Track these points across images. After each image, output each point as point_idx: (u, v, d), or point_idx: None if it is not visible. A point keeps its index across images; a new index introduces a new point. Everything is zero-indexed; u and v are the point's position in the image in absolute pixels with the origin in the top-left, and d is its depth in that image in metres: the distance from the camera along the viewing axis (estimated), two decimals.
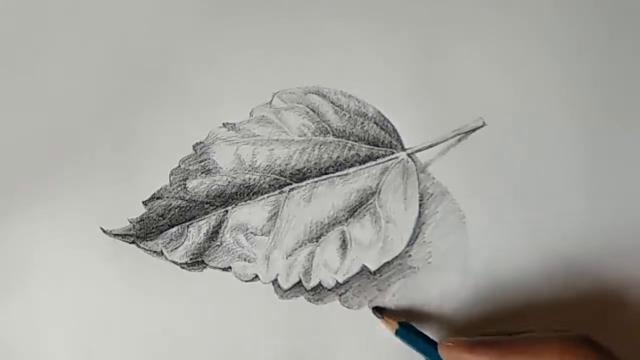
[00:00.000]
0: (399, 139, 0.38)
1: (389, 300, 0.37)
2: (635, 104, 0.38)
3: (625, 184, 0.38)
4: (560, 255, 0.37)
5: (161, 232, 0.37)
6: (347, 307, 0.37)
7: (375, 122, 0.38)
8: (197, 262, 0.37)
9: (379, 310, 0.37)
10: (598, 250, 0.37)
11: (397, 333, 0.36)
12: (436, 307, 0.37)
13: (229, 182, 0.37)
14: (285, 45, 0.38)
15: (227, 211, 0.37)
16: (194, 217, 0.37)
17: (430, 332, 0.36)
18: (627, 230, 0.37)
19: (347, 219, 0.37)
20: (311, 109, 0.38)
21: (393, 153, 0.38)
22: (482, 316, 0.37)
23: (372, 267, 0.37)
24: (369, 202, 0.37)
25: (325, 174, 0.38)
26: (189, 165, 0.37)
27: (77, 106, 0.38)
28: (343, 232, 0.37)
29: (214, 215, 0.37)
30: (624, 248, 0.37)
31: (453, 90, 0.38)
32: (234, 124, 0.38)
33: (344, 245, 0.37)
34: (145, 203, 0.37)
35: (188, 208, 0.37)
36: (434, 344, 0.34)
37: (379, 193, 0.38)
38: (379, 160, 0.38)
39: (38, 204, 0.37)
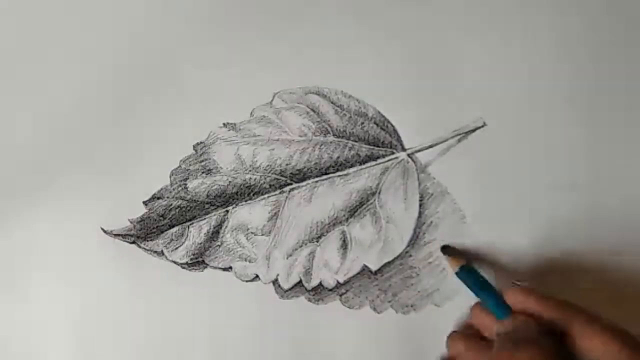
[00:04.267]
0: (399, 139, 0.38)
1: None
2: (636, 104, 0.38)
3: (627, 184, 0.38)
4: (561, 254, 0.37)
5: (162, 232, 0.37)
6: (348, 307, 0.37)
7: (375, 122, 0.38)
8: (197, 262, 0.37)
9: (446, 249, 0.37)
10: (600, 250, 0.37)
11: (458, 273, 0.36)
12: None
13: (230, 182, 0.37)
14: (286, 45, 0.38)
15: (227, 211, 0.37)
16: (194, 217, 0.37)
17: None
18: (630, 232, 0.38)
19: (347, 219, 0.37)
20: (311, 109, 0.38)
21: (393, 153, 0.38)
22: None
23: (373, 267, 0.37)
24: (369, 202, 0.37)
25: (326, 174, 0.38)
26: (190, 165, 0.37)
27: (77, 106, 0.38)
28: (343, 232, 0.37)
29: (214, 215, 0.37)
30: (626, 250, 0.37)
31: (453, 90, 0.38)
32: (235, 124, 0.38)
33: (344, 245, 0.37)
34: (145, 203, 0.37)
35: (188, 208, 0.37)
36: (493, 289, 0.34)
37: (379, 193, 0.38)
38: (379, 161, 0.38)
39: (39, 205, 0.37)
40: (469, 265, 0.36)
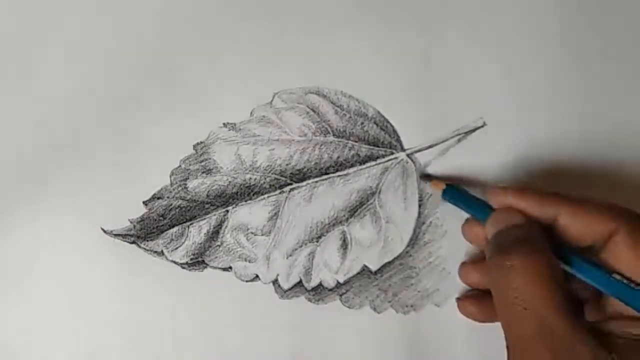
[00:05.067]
0: (398, 140, 0.38)
1: None
2: (636, 103, 0.38)
3: (627, 184, 0.38)
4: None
5: (162, 232, 0.37)
6: (348, 307, 0.37)
7: (375, 123, 0.38)
8: (197, 262, 0.37)
9: (427, 176, 0.37)
10: None
11: (444, 194, 0.35)
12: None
13: (230, 182, 0.37)
14: (286, 45, 0.38)
15: (227, 211, 0.37)
16: (194, 217, 0.37)
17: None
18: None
19: (347, 219, 0.37)
20: (311, 109, 0.38)
21: (393, 153, 0.38)
22: None
23: (373, 267, 0.37)
24: (369, 202, 0.37)
25: (326, 174, 0.38)
26: (190, 165, 0.37)
27: (77, 106, 0.38)
28: (343, 232, 0.37)
29: (214, 215, 0.37)
30: None
31: (453, 90, 0.38)
32: (235, 124, 0.38)
33: (344, 245, 0.37)
34: (145, 203, 0.37)
35: (189, 208, 0.37)
36: (482, 201, 0.34)
37: (379, 193, 0.38)
38: (379, 161, 0.38)
39: (38, 204, 0.37)
40: (452, 185, 0.36)
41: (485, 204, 0.34)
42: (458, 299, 0.36)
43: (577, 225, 0.31)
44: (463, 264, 0.36)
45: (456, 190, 0.35)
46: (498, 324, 0.36)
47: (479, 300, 0.35)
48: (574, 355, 0.27)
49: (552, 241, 0.31)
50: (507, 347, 0.30)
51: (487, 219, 0.33)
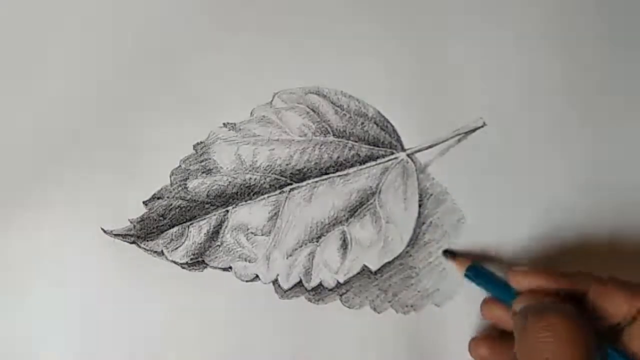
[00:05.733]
0: (399, 139, 0.38)
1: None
2: (636, 103, 0.38)
3: (627, 184, 0.38)
4: (562, 254, 0.37)
5: (162, 232, 0.37)
6: (348, 307, 0.37)
7: (375, 123, 0.38)
8: (197, 262, 0.37)
9: (450, 253, 0.37)
10: (599, 247, 0.37)
11: (467, 272, 0.35)
12: None
13: (230, 182, 0.37)
14: (286, 45, 0.38)
15: (227, 211, 0.37)
16: (194, 217, 0.37)
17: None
18: (629, 231, 0.38)
19: (347, 219, 0.37)
20: (311, 109, 0.38)
21: (393, 153, 0.38)
22: None
23: (373, 267, 0.37)
24: (369, 202, 0.37)
25: (326, 174, 0.38)
26: (190, 165, 0.37)
27: (77, 106, 0.38)
28: (343, 232, 0.37)
29: (214, 215, 0.37)
30: (625, 249, 0.37)
31: (453, 90, 0.38)
32: (235, 124, 0.38)
33: (344, 245, 0.37)
34: (145, 203, 0.37)
35: (189, 208, 0.37)
36: (505, 283, 0.34)
37: (379, 193, 0.38)
38: (379, 161, 0.38)
39: (38, 204, 0.37)
40: (475, 263, 0.36)
41: (507, 285, 0.34)
42: (472, 340, 0.37)
43: (600, 305, 0.31)
44: (474, 340, 0.36)
45: (480, 269, 0.35)
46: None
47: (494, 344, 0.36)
48: None
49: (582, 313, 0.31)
50: None
51: (512, 300, 0.33)
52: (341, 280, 0.37)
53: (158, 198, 0.37)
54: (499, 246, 0.37)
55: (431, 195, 0.38)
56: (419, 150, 0.38)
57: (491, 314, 0.35)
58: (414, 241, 0.37)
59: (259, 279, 0.37)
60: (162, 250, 0.37)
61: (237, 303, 0.37)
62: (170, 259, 0.37)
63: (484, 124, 0.38)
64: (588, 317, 0.31)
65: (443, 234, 0.38)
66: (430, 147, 0.38)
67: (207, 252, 0.37)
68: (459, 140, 0.38)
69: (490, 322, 0.36)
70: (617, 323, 0.31)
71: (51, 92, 0.38)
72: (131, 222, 0.37)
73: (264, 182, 0.37)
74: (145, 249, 0.37)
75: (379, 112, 0.38)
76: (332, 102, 0.38)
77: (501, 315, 0.35)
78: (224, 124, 0.38)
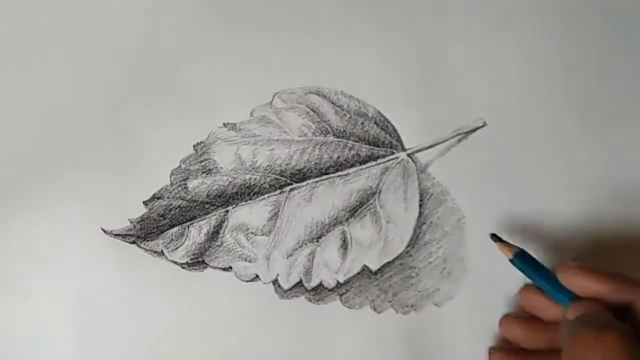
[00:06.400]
0: (399, 139, 0.38)
1: None
2: (636, 103, 0.38)
3: (628, 184, 0.38)
4: (561, 255, 0.37)
5: (162, 232, 0.37)
6: (348, 307, 0.37)
7: (375, 123, 0.38)
8: (197, 262, 0.37)
9: (497, 237, 0.36)
10: (599, 251, 0.37)
11: (513, 259, 0.35)
12: None
13: (230, 182, 0.37)
14: (286, 45, 0.38)
15: (227, 211, 0.37)
16: (194, 217, 0.37)
17: None
18: (630, 233, 0.38)
19: (347, 219, 0.37)
20: (311, 109, 0.38)
21: (393, 153, 0.38)
22: None
23: (373, 267, 0.37)
24: (369, 202, 0.37)
25: (326, 174, 0.38)
26: (190, 165, 0.37)
27: (77, 107, 0.38)
28: (344, 232, 0.37)
29: (214, 215, 0.37)
30: (626, 251, 0.37)
31: (453, 90, 0.38)
32: (235, 124, 0.38)
33: (344, 245, 0.37)
34: (145, 203, 0.37)
35: (189, 208, 0.37)
36: (551, 273, 0.34)
37: (380, 193, 0.38)
38: (379, 161, 0.38)
39: (39, 204, 0.37)
40: (523, 250, 0.35)
41: (553, 276, 0.34)
42: (491, 349, 0.36)
43: None
44: (506, 316, 0.36)
45: (527, 256, 0.35)
46: (496, 325, 0.37)
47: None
48: None
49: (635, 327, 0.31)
50: None
51: (565, 302, 0.33)
52: (341, 280, 0.37)
53: (158, 198, 0.37)
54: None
55: (431, 195, 0.38)
56: (419, 150, 0.38)
57: (529, 300, 0.35)
58: (414, 241, 0.37)
59: (259, 279, 0.37)
60: (162, 250, 0.37)
61: (237, 303, 0.37)
62: (170, 259, 0.37)
63: (484, 124, 0.38)
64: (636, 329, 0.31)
65: (443, 234, 0.38)
66: (430, 147, 0.38)
67: (207, 252, 0.37)
68: (460, 140, 0.38)
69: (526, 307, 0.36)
70: None
71: (51, 92, 0.38)
72: (131, 222, 0.37)
73: (264, 182, 0.37)
74: (145, 249, 0.37)
75: (379, 112, 0.38)
76: (332, 102, 0.38)
77: (540, 304, 0.34)
78: (224, 124, 0.38)
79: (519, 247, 0.35)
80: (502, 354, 0.35)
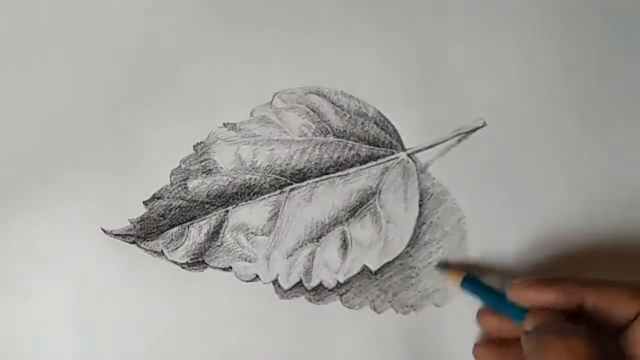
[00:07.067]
0: (399, 139, 0.38)
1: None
2: (637, 103, 0.38)
3: (627, 185, 0.38)
4: (561, 255, 0.37)
5: (162, 232, 0.37)
6: (348, 307, 0.37)
7: (375, 123, 0.38)
8: (197, 262, 0.37)
9: (444, 265, 0.37)
10: (601, 248, 0.37)
11: (462, 285, 0.35)
12: None
13: (230, 182, 0.37)
14: (286, 45, 0.38)
15: (227, 211, 0.37)
16: (194, 217, 0.37)
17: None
18: (630, 232, 0.38)
19: (347, 219, 0.37)
20: (312, 109, 0.38)
21: (393, 153, 0.38)
22: None
23: (373, 267, 0.37)
24: (369, 202, 0.37)
25: (326, 174, 0.38)
26: (190, 165, 0.37)
27: (77, 107, 0.38)
28: (344, 232, 0.37)
29: (214, 215, 0.37)
30: (626, 252, 0.37)
31: (453, 90, 0.38)
32: (235, 124, 0.38)
33: (344, 245, 0.37)
34: (145, 203, 0.37)
35: (189, 208, 0.37)
36: (501, 292, 0.34)
37: (380, 193, 0.38)
38: (379, 161, 0.38)
39: (38, 204, 0.37)
40: (470, 275, 0.36)
41: (503, 295, 0.34)
42: (475, 345, 0.36)
43: (601, 309, 0.32)
44: (478, 345, 0.36)
45: (474, 280, 0.35)
46: None
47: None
48: None
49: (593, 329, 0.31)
50: None
51: (519, 318, 0.33)
52: (341, 281, 0.37)
53: (158, 198, 0.37)
54: (498, 247, 0.37)
55: (431, 195, 0.38)
56: (420, 150, 0.38)
57: (489, 324, 0.36)
58: (414, 241, 0.37)
59: (259, 279, 0.37)
60: (162, 250, 0.37)
61: (237, 303, 0.37)
62: (170, 259, 0.37)
63: (484, 124, 0.38)
64: (597, 329, 0.31)
65: (443, 234, 0.38)
66: (430, 147, 0.38)
67: (207, 252, 0.37)
68: (460, 140, 0.38)
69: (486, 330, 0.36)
70: (620, 326, 0.31)
71: (51, 92, 0.38)
72: (131, 222, 0.37)
73: (264, 182, 0.37)
74: (145, 249, 0.37)
75: (379, 112, 0.38)
76: (332, 102, 0.38)
77: (499, 325, 0.35)
78: (224, 124, 0.38)
79: (464, 272, 0.36)
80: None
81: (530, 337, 0.32)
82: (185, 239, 0.37)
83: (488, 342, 0.36)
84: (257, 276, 0.37)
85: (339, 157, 0.38)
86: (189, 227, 0.37)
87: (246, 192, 0.37)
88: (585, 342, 0.29)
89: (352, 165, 0.38)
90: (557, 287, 0.32)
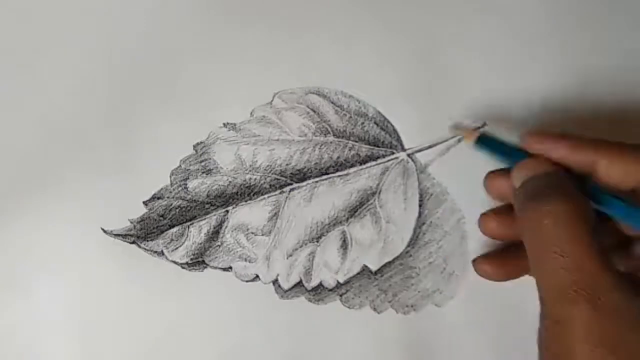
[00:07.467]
0: (399, 139, 0.38)
1: None
2: (637, 104, 0.38)
3: None
4: None
5: (162, 232, 0.37)
6: (348, 308, 0.37)
7: (375, 123, 0.38)
8: (197, 262, 0.37)
9: (458, 125, 0.36)
10: None
11: (477, 142, 0.34)
12: None
13: (230, 182, 0.37)
14: (286, 45, 0.38)
15: (227, 211, 0.37)
16: (194, 217, 0.37)
17: None
18: None
19: (347, 219, 0.37)
20: (312, 109, 0.38)
21: (393, 153, 0.38)
22: None
23: (373, 267, 0.37)
24: (369, 202, 0.37)
25: (326, 174, 0.38)
26: (190, 165, 0.37)
27: (77, 106, 0.38)
28: (344, 232, 0.37)
29: (214, 215, 0.37)
30: None
31: (453, 90, 0.38)
32: (235, 124, 0.38)
33: (344, 245, 0.37)
34: (145, 203, 0.37)
35: (189, 208, 0.37)
36: (517, 148, 0.33)
37: (379, 193, 0.38)
38: (379, 161, 0.38)
39: (38, 205, 0.37)
40: (485, 132, 0.34)
41: (521, 151, 0.33)
42: (474, 261, 0.36)
43: (616, 170, 0.30)
44: (483, 215, 0.35)
45: (491, 138, 0.34)
46: (498, 324, 0.37)
47: (496, 260, 0.35)
48: (612, 302, 0.26)
49: (584, 184, 0.30)
50: (541, 298, 0.28)
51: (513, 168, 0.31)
52: (341, 281, 0.37)
53: (158, 198, 0.37)
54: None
55: (431, 195, 0.38)
56: (419, 150, 0.38)
57: (495, 187, 0.34)
58: (414, 241, 0.37)
59: (259, 279, 0.37)
60: (162, 250, 0.37)
61: (237, 303, 0.37)
62: (170, 259, 0.37)
63: (484, 124, 0.38)
64: (596, 184, 0.29)
65: (443, 234, 0.38)
66: (430, 147, 0.38)
67: (207, 252, 0.37)
68: (460, 140, 0.38)
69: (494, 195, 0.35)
70: (633, 189, 0.30)
71: (51, 92, 0.38)
72: (131, 222, 0.37)
73: (264, 182, 0.37)
74: (145, 249, 0.37)
75: (379, 112, 0.38)
76: (332, 102, 0.38)
77: (506, 187, 0.33)
78: (224, 124, 0.38)
79: (480, 130, 0.35)
80: (486, 260, 0.35)
81: (516, 193, 0.30)
82: (185, 239, 0.37)
83: (494, 210, 0.35)
84: (257, 276, 0.37)
85: (339, 157, 0.38)
86: (189, 227, 0.37)
87: (246, 192, 0.37)
88: (565, 204, 0.27)
89: (352, 165, 0.38)
90: (572, 142, 0.31)
